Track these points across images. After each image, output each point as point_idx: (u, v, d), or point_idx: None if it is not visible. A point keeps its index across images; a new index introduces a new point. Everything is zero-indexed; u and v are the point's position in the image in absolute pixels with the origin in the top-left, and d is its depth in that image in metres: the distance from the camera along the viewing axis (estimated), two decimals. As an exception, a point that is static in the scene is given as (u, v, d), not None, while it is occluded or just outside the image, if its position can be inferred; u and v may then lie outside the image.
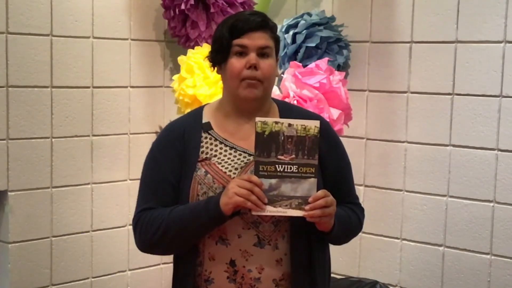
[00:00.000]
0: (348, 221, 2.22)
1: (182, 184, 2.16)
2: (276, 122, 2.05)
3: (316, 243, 2.17)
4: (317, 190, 2.07)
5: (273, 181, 2.04)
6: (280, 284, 2.14)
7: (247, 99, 2.15)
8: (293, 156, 2.05)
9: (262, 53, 2.15)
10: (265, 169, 2.04)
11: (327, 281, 2.27)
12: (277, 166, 2.04)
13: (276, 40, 2.21)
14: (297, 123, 2.06)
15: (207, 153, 2.18)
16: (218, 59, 2.19)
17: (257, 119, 2.05)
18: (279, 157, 2.05)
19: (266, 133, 2.04)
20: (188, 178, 2.15)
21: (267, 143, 2.04)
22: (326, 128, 2.26)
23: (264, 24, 2.17)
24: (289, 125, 2.05)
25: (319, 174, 2.16)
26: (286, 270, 2.14)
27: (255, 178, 2.03)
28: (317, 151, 2.06)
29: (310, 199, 2.04)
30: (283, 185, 2.04)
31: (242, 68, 2.13)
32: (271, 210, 2.04)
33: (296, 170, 2.05)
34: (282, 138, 2.05)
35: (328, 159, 2.21)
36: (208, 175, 2.14)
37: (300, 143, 2.05)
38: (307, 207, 2.04)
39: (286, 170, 2.04)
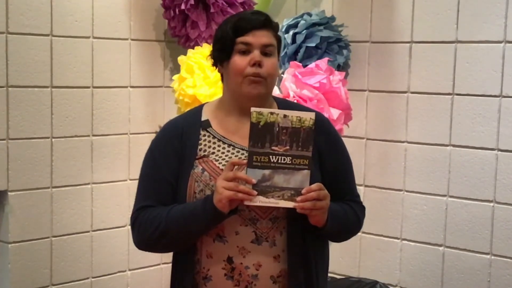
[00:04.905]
0: (344, 217, 2.21)
1: (180, 181, 2.16)
2: (272, 113, 2.05)
3: (314, 240, 2.17)
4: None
5: (266, 172, 2.04)
6: (277, 281, 2.14)
7: (250, 95, 2.16)
8: (287, 147, 2.05)
9: (265, 51, 2.16)
10: (258, 159, 2.04)
11: (325, 278, 2.27)
12: (270, 157, 2.04)
13: (278, 39, 2.23)
14: (293, 114, 2.06)
15: (205, 150, 2.18)
16: (221, 57, 2.19)
17: (252, 109, 2.05)
18: (273, 148, 2.05)
19: (261, 123, 2.04)
20: (186, 176, 2.15)
21: (261, 133, 2.04)
22: (325, 125, 2.28)
23: (268, 23, 2.18)
24: (284, 116, 2.05)
25: (317, 170, 2.17)
26: (283, 266, 2.14)
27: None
28: (312, 143, 2.06)
29: (303, 191, 2.04)
30: (276, 176, 2.04)
31: (245, 66, 2.14)
32: (263, 201, 2.04)
33: (290, 162, 2.05)
34: (277, 129, 2.05)
35: (327, 156, 2.22)
36: (205, 173, 2.14)
37: (295, 135, 2.05)
38: (298, 199, 2.04)
39: (279, 161, 2.04)
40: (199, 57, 3.29)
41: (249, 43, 2.15)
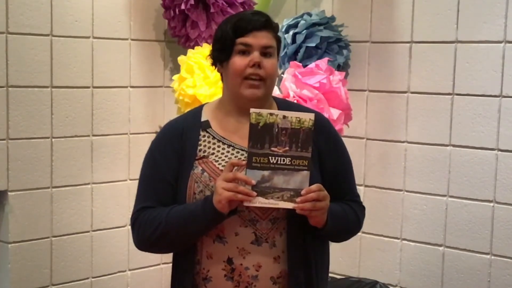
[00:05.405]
0: (344, 217, 2.22)
1: (180, 182, 2.17)
2: (271, 114, 2.05)
3: (314, 241, 2.17)
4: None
5: (266, 173, 2.04)
6: (277, 282, 2.14)
7: (249, 99, 2.16)
8: (287, 148, 2.05)
9: (265, 52, 2.16)
10: (258, 160, 2.04)
11: (325, 279, 2.27)
12: (270, 158, 2.04)
13: (278, 40, 2.23)
14: (292, 115, 2.06)
15: (204, 151, 2.18)
16: (220, 57, 2.19)
17: (252, 110, 2.05)
18: (272, 149, 2.05)
19: (261, 124, 2.04)
20: (185, 176, 2.16)
21: (261, 134, 2.04)
22: (325, 125, 2.28)
23: (268, 24, 2.18)
24: (284, 117, 2.05)
25: (317, 170, 2.17)
26: (283, 267, 2.14)
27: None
28: (311, 144, 2.06)
29: (302, 192, 2.04)
30: (275, 177, 2.04)
31: (245, 66, 2.14)
32: (262, 202, 2.04)
33: (289, 163, 2.05)
34: (276, 130, 2.05)
35: (327, 156, 2.22)
36: (205, 173, 2.15)
37: (294, 136, 2.05)
38: (298, 200, 2.04)
39: (279, 162, 2.04)
40: (199, 57, 3.29)
41: (249, 44, 2.15)
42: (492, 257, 3.25)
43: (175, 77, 3.40)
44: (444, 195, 3.37)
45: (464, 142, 3.30)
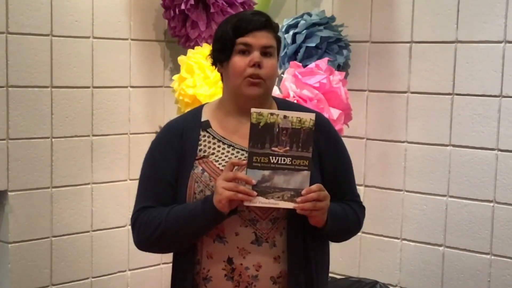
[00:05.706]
0: (344, 217, 2.22)
1: (180, 182, 2.17)
2: (272, 114, 2.05)
3: (314, 241, 2.17)
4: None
5: (266, 172, 2.04)
6: (278, 282, 2.14)
7: (249, 97, 2.16)
8: (287, 148, 2.05)
9: (265, 52, 2.16)
10: (258, 160, 2.04)
11: (325, 279, 2.27)
12: (270, 157, 2.04)
13: (278, 40, 2.23)
14: (293, 115, 2.06)
15: (205, 151, 2.19)
16: (220, 57, 2.20)
17: (253, 110, 2.05)
18: (273, 148, 2.05)
19: (261, 124, 2.05)
20: (186, 176, 2.16)
21: (261, 134, 2.04)
22: (325, 125, 2.28)
23: (268, 24, 2.18)
24: (285, 117, 2.06)
25: (317, 170, 2.17)
26: (284, 267, 2.14)
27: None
28: (312, 144, 2.06)
29: (303, 192, 2.04)
30: (276, 177, 2.04)
31: (245, 66, 2.14)
32: (262, 202, 2.04)
33: (290, 163, 2.05)
34: (277, 130, 2.05)
35: (327, 156, 2.22)
36: (205, 173, 2.15)
37: (295, 136, 2.05)
38: (298, 199, 2.04)
39: (279, 162, 2.05)
40: (199, 57, 3.29)
41: (249, 44, 2.15)
42: (492, 257, 3.25)
43: (175, 77, 3.40)
44: (444, 195, 3.37)
45: (464, 142, 3.31)
